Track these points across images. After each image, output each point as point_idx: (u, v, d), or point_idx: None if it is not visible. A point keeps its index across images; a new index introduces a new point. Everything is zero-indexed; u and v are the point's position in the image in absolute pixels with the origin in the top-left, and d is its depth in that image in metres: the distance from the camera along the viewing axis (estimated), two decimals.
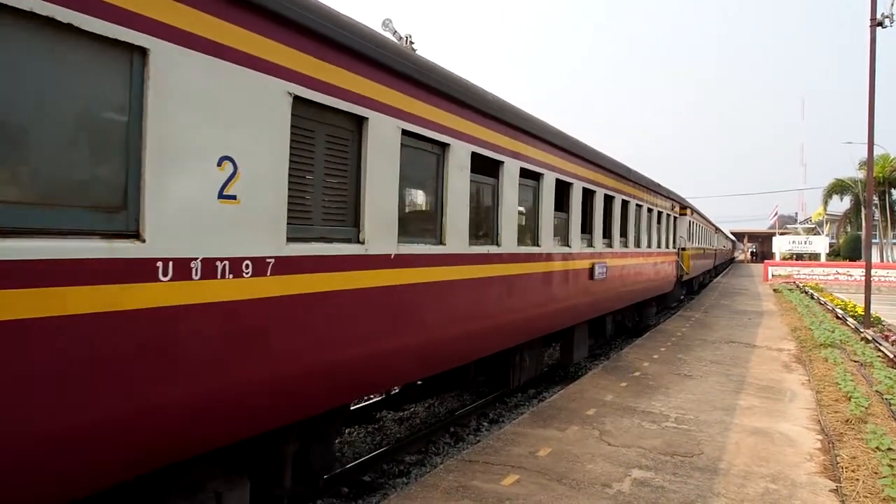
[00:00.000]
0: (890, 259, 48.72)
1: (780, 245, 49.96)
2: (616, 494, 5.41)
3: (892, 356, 12.15)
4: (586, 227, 10.74)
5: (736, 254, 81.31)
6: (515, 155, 7.67)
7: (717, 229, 40.17)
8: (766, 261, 47.67)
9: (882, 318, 17.70)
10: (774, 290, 31.05)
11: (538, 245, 8.49)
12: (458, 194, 6.40)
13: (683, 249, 21.02)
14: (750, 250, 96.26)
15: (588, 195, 10.68)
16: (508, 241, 7.52)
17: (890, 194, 49.74)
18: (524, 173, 7.99)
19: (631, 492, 5.47)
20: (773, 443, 7.02)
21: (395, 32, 7.11)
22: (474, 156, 6.69)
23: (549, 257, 8.79)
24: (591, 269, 10.51)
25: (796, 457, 6.59)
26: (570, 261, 9.65)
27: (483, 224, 7.31)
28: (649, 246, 15.47)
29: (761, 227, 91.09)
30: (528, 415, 7.90)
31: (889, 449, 6.50)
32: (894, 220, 49.29)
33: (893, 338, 14.31)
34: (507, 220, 7.49)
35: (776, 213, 72.80)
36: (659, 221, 16.90)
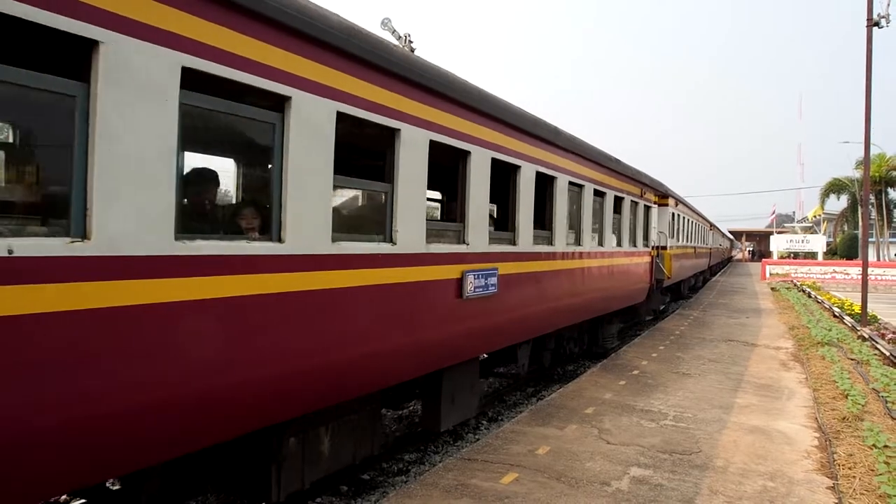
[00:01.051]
0: (886, 258, 48.85)
1: (778, 244, 50.05)
2: (615, 492, 5.43)
3: (888, 354, 12.20)
4: (452, 213, 7.43)
5: (734, 252, 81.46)
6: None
7: (713, 226, 39.71)
8: (763, 259, 47.74)
9: (878, 317, 17.74)
10: (772, 289, 31.13)
11: (280, 240, 4.35)
12: None
13: (663, 248, 17.31)
14: (748, 249, 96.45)
15: (454, 159, 6.70)
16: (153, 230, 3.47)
17: (886, 193, 49.95)
18: (209, 84, 3.80)
19: (629, 490, 5.50)
20: (771, 440, 7.06)
21: (393, 31, 7.14)
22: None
23: (316, 263, 4.65)
24: (460, 282, 6.58)
25: (794, 454, 6.62)
26: (397, 268, 5.58)
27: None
28: (600, 244, 11.23)
29: (759, 225, 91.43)
30: (527, 413, 7.93)
31: (885, 446, 6.55)
32: (891, 218, 49.47)
33: (890, 336, 14.35)
34: (133, 183, 3.34)
35: (774, 212, 73.14)
36: (619, 211, 12.52)
